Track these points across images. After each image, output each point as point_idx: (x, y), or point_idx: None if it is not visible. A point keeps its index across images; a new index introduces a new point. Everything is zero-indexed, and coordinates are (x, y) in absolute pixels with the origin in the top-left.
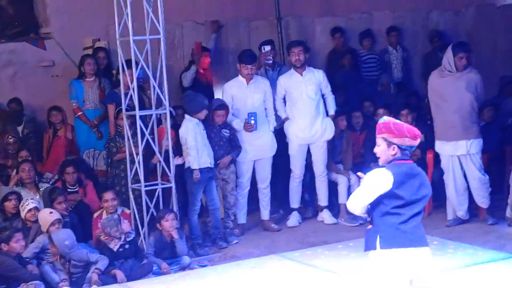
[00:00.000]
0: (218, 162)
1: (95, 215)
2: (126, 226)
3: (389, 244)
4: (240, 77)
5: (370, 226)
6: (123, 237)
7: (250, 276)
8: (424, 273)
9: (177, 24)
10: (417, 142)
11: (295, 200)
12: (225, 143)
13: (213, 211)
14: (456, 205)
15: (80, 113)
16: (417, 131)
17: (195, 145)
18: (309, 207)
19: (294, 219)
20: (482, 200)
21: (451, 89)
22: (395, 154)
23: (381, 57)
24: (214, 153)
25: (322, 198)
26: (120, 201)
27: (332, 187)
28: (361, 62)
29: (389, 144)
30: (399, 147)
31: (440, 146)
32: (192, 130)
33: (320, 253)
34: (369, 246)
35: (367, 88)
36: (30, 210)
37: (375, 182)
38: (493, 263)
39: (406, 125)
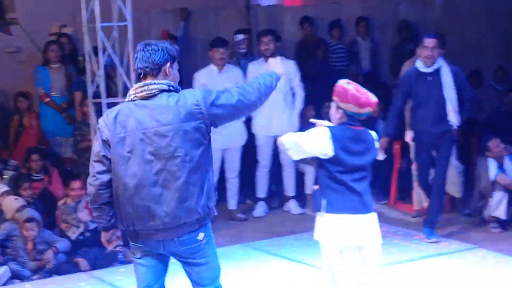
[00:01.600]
0: None
1: (60, 203)
2: (83, 215)
3: (335, 209)
4: (212, 65)
5: (316, 187)
6: (81, 225)
7: None
8: (371, 240)
9: (145, 11)
10: (364, 110)
11: (262, 190)
12: None
13: None
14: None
15: (48, 99)
16: (365, 100)
17: None
18: (276, 197)
19: (260, 209)
20: (457, 189)
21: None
22: (340, 118)
23: (350, 48)
24: None
25: (289, 188)
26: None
27: (299, 177)
28: (330, 52)
29: (337, 107)
30: (345, 112)
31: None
32: None
33: (287, 242)
34: (316, 207)
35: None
36: (2, 194)
37: (312, 138)
38: (457, 253)
39: (354, 91)
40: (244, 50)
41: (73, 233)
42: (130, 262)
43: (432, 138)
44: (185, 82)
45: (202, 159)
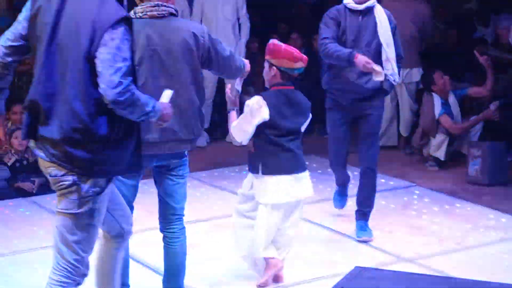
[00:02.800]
0: None
1: None
2: (16, 142)
3: (270, 171)
4: None
5: (252, 150)
6: (16, 154)
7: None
8: (300, 197)
9: None
10: (297, 64)
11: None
12: None
13: None
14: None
15: None
16: (297, 54)
17: None
18: (218, 128)
19: (202, 138)
20: (406, 129)
21: (396, 15)
22: (274, 76)
23: None
24: None
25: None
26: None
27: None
28: None
29: (270, 66)
30: (278, 68)
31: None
32: None
33: (227, 174)
34: (252, 169)
35: (283, 11)
36: None
37: (252, 114)
38: (394, 190)
39: (286, 47)
40: None
41: (9, 159)
42: None
43: (357, 101)
44: None
45: (199, 83)
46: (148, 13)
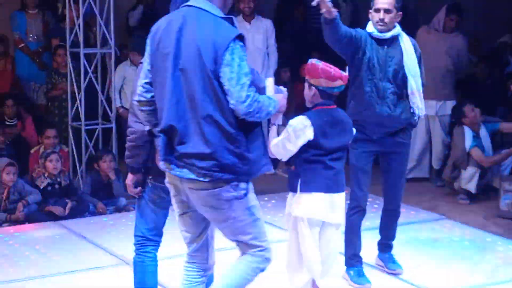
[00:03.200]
0: None
1: (33, 150)
2: (51, 166)
3: (308, 188)
4: None
5: (293, 167)
6: (49, 176)
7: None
8: (338, 219)
9: None
10: (336, 83)
11: None
12: None
13: None
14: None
15: (22, 45)
16: (335, 73)
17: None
18: None
19: None
20: (438, 162)
21: (432, 48)
22: (314, 95)
23: None
24: None
25: None
26: None
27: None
28: (310, 12)
29: (309, 85)
30: (317, 88)
31: None
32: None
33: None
34: (291, 187)
35: (314, 39)
36: None
37: (296, 134)
38: (425, 223)
39: (324, 66)
40: None
41: (42, 182)
42: (100, 214)
43: (388, 135)
44: None
45: None
46: None
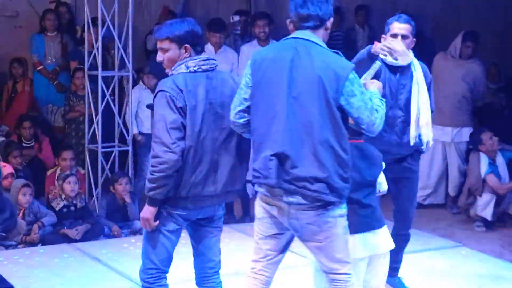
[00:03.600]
0: None
1: (49, 172)
2: (68, 188)
3: (352, 230)
4: (209, 45)
5: None
6: (66, 198)
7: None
8: (383, 251)
9: None
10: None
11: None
12: None
13: None
14: (420, 189)
15: (41, 67)
16: None
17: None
18: None
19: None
20: (454, 189)
21: (448, 74)
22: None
23: (348, 35)
24: None
25: None
26: None
27: None
28: (328, 38)
29: None
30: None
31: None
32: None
33: None
34: None
35: None
36: None
37: None
38: (441, 250)
39: None
40: (239, 32)
41: (58, 204)
42: (115, 236)
43: (397, 162)
44: None
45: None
46: (203, 67)
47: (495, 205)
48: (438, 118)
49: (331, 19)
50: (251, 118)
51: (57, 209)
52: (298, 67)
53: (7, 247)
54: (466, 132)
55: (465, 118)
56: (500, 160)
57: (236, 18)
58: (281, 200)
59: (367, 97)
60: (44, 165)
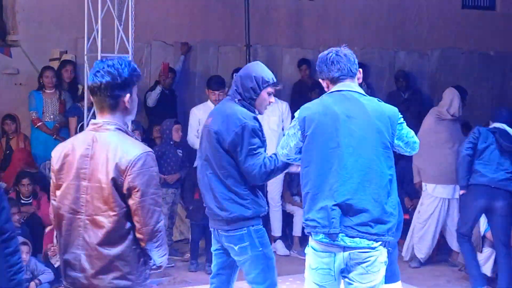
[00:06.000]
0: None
1: (48, 229)
2: None
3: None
4: (209, 102)
5: None
6: None
7: None
8: None
9: (146, 43)
10: None
11: None
12: (178, 163)
13: None
14: (425, 248)
15: (40, 124)
16: None
17: None
18: None
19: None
20: (455, 244)
21: (451, 132)
22: None
23: None
24: (168, 173)
25: (276, 228)
26: None
27: (286, 218)
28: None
29: None
30: None
31: (435, 189)
32: None
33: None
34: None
35: None
36: None
37: None
38: None
39: None
40: None
41: (57, 261)
42: None
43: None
44: (182, 114)
45: None
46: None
47: (494, 261)
48: (450, 176)
49: (360, 69)
50: (304, 171)
51: (55, 265)
52: (352, 118)
53: None
54: None
55: None
56: None
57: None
58: (336, 247)
59: (412, 134)
60: (42, 221)
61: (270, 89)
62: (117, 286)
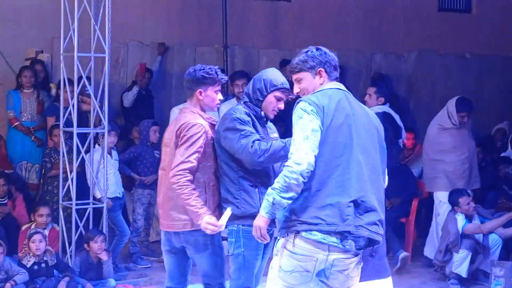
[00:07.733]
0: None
1: (23, 228)
2: (34, 248)
3: (361, 277)
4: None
5: None
6: (33, 255)
7: None
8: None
9: (123, 43)
10: None
11: None
12: (155, 165)
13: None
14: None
15: (17, 123)
16: None
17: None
18: None
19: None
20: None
21: (459, 140)
22: None
23: None
24: (144, 174)
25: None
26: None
27: None
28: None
29: None
30: None
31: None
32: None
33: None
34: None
35: None
36: None
37: None
38: None
39: None
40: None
41: (28, 261)
42: None
43: None
44: (158, 115)
45: None
46: None
47: (470, 262)
48: (464, 182)
49: None
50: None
51: (28, 266)
52: (357, 116)
53: None
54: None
55: (478, 176)
56: (476, 220)
57: None
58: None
59: None
60: (18, 222)
61: (278, 94)
62: None
